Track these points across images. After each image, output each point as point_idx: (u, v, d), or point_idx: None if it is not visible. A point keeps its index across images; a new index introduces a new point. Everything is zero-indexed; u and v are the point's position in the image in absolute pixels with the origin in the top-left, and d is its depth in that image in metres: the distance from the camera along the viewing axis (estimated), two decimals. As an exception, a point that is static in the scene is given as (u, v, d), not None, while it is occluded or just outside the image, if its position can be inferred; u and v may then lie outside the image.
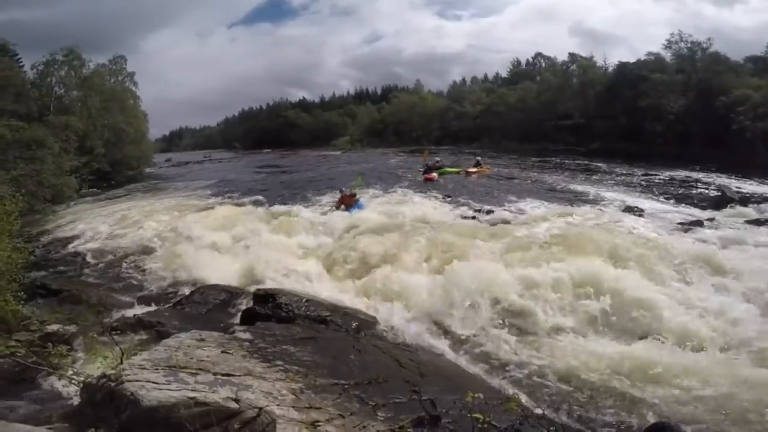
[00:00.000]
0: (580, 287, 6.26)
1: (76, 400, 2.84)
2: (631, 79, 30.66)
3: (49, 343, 3.70)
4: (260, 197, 15.82)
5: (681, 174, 18.67)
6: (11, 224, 6.68)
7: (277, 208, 13.48)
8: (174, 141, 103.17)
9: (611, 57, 37.91)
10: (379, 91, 78.06)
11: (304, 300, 5.82)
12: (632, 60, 33.45)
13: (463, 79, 66.31)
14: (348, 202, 12.22)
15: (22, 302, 5.45)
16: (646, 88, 29.18)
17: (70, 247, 11.22)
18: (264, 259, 8.47)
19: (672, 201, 13.23)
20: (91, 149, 24.17)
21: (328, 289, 7.17)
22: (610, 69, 35.54)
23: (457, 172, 19.53)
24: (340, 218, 11.13)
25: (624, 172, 20.01)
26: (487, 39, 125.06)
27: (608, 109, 31.78)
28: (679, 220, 10.28)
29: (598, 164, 23.06)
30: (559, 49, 75.11)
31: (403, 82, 79.19)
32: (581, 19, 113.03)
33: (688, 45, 30.38)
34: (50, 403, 3.49)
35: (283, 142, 65.28)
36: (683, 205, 12.61)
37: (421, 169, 18.79)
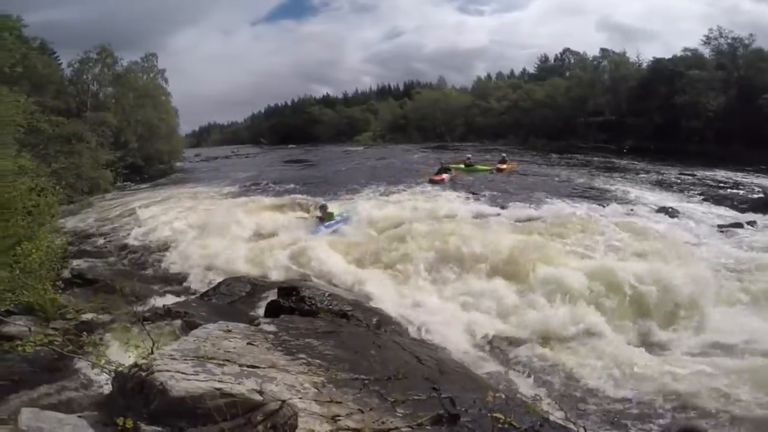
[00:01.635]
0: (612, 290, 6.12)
1: (107, 389, 2.93)
2: (667, 75, 29.46)
3: (84, 332, 3.86)
4: (286, 190, 16.16)
5: (720, 174, 17.78)
6: (52, 215, 7.05)
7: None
8: (203, 136, 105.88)
9: (643, 53, 36.08)
10: (401, 87, 77.76)
11: (326, 294, 5.88)
12: (666, 56, 32.14)
13: (488, 75, 65.01)
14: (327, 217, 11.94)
15: (60, 291, 5.72)
16: (683, 85, 28.03)
17: (105, 238, 11.75)
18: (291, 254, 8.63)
19: (710, 202, 12.62)
20: (125, 144, 25.14)
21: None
22: (644, 65, 34.21)
23: (489, 170, 19.03)
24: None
25: (658, 171, 19.22)
26: (511, 34, 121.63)
27: (642, 106, 30.62)
28: (718, 222, 9.82)
29: (631, 163, 22.28)
30: (586, 45, 72.32)
31: (425, 77, 78.47)
32: (609, 13, 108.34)
33: (729, 41, 29.04)
34: (82, 391, 3.65)
35: (308, 138, 66.08)
36: (722, 206, 12.00)
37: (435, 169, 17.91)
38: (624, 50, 36.90)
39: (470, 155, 21.65)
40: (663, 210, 11.19)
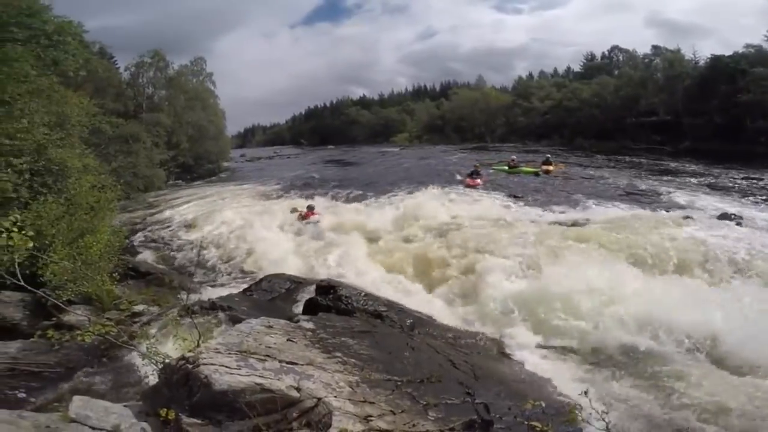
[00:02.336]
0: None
1: (152, 380, 3.04)
2: (728, 73, 27.25)
3: (135, 323, 4.10)
4: (328, 190, 16.50)
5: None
6: (111, 210, 7.59)
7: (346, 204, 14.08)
8: (247, 137, 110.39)
9: (695, 50, 33.42)
10: (437, 88, 77.25)
11: (362, 294, 5.93)
12: (724, 53, 29.74)
13: (530, 74, 63.17)
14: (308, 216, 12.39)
15: (116, 282, 6.11)
16: (747, 83, 25.78)
17: (158, 233, 12.50)
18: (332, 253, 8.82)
19: (779, 208, 11.50)
20: (177, 144, 26.61)
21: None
22: (701, 62, 31.81)
23: (535, 172, 18.12)
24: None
25: (720, 174, 17.75)
26: (552, 32, 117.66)
27: (700, 105, 28.53)
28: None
29: (688, 165, 20.75)
30: (633, 42, 68.36)
31: (461, 77, 77.63)
32: (658, 9, 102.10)
33: (796, 37, 26.44)
34: (130, 380, 3.87)
35: (345, 139, 67.29)
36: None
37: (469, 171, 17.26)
38: (678, 47, 34.53)
39: (515, 156, 20.90)
40: (725, 216, 10.33)
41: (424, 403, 3.11)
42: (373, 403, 2.90)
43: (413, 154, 34.04)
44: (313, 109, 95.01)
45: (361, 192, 16.38)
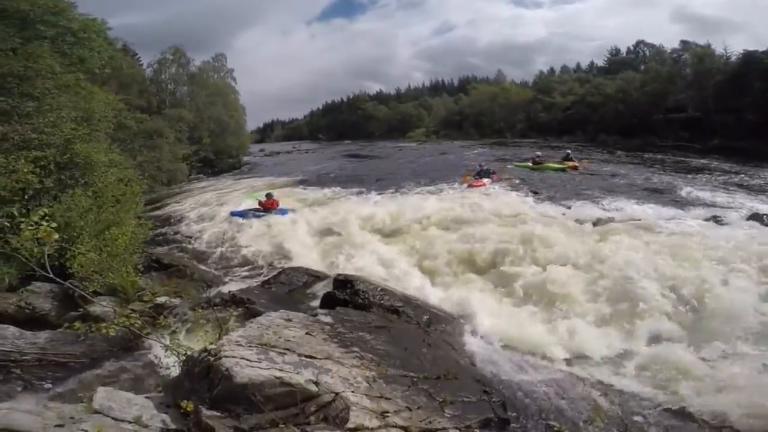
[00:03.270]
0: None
1: (174, 371, 3.10)
2: (762, 69, 25.99)
3: (160, 315, 4.18)
4: (347, 185, 16.58)
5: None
6: (136, 203, 7.79)
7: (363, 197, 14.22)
8: (266, 132, 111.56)
9: (726, 45, 31.86)
10: (455, 82, 76.37)
11: (379, 289, 5.93)
12: (757, 48, 28.27)
13: (551, 69, 61.83)
14: (270, 205, 12.46)
15: (140, 274, 6.26)
16: (783, 79, 24.54)
17: (180, 225, 12.78)
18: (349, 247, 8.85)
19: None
20: (199, 139, 27.11)
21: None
22: (733, 58, 30.43)
23: (562, 169, 17.64)
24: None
25: (751, 173, 16.98)
26: (573, 26, 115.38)
27: (732, 102, 27.29)
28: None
29: (719, 163, 19.91)
30: (658, 37, 65.86)
31: (479, 72, 76.54)
32: (685, 3, 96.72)
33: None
34: (152, 372, 3.94)
35: (362, 134, 67.43)
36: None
37: (472, 171, 16.54)
38: (708, 42, 33.09)
39: (540, 153, 20.40)
40: (755, 217, 9.91)
41: (441, 400, 3.09)
42: (390, 399, 2.89)
43: (431, 150, 33.84)
44: (330, 105, 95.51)
45: (379, 186, 16.41)
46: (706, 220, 9.66)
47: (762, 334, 4.96)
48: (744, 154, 21.62)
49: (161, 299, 5.51)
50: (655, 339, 5.20)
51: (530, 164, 18.68)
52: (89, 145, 8.07)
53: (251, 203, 13.12)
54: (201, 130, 27.48)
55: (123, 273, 5.67)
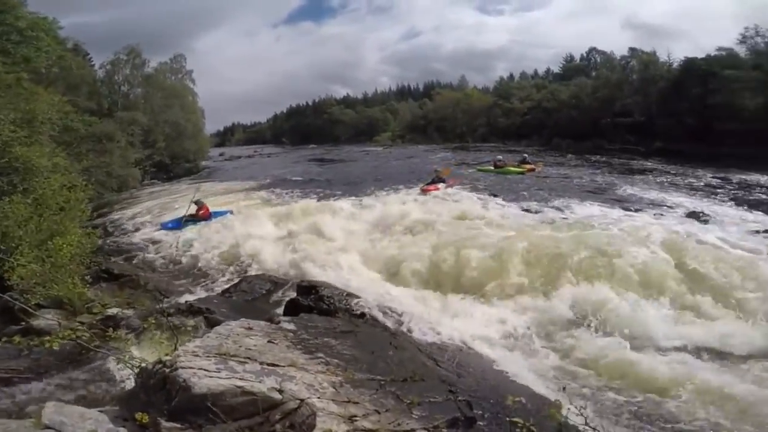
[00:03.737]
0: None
1: (128, 384, 2.98)
2: (700, 75, 28.28)
3: (110, 327, 3.96)
4: (307, 190, 16.36)
5: (756, 178, 16.92)
6: (82, 211, 7.30)
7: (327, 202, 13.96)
8: (227, 136, 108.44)
9: (673, 52, 34.67)
10: (421, 88, 77.80)
11: (344, 294, 5.90)
12: (697, 55, 30.83)
13: (511, 75, 64.41)
14: (203, 214, 12.26)
15: (88, 285, 5.89)
16: (717, 85, 26.84)
17: (132, 234, 12.12)
18: (312, 253, 8.71)
19: (744, 208, 12.03)
20: (153, 143, 25.95)
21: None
22: (675, 65, 32.95)
23: (521, 172, 18.33)
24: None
25: (689, 174, 18.48)
26: (532, 34, 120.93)
27: (673, 106, 29.51)
28: (754, 228, 9.35)
29: (660, 165, 21.53)
30: (611, 44, 70.13)
31: (444, 77, 78.81)
32: (634, 12, 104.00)
33: (766, 40, 27.74)
34: (105, 385, 3.72)
35: (328, 138, 67.02)
36: (758, 212, 11.41)
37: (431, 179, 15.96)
38: (654, 50, 35.63)
39: (501, 156, 20.96)
40: (693, 215, 10.76)
41: (408, 401, 3.10)
42: (358, 403, 2.88)
43: (397, 154, 34.19)
44: (295, 108, 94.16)
45: (345, 191, 16.35)
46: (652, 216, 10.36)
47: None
48: (683, 156, 23.47)
49: (112, 311, 5.21)
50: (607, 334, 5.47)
51: (492, 168, 19.26)
52: (30, 149, 7.51)
53: (182, 213, 12.51)
54: (156, 134, 26.36)
55: (69, 285, 5.31)
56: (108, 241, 11.18)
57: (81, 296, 5.40)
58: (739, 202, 12.67)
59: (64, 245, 5.75)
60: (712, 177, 17.31)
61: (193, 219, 12.01)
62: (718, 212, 11.20)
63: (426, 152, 33.63)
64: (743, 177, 17.15)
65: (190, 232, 11.34)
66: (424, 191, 14.45)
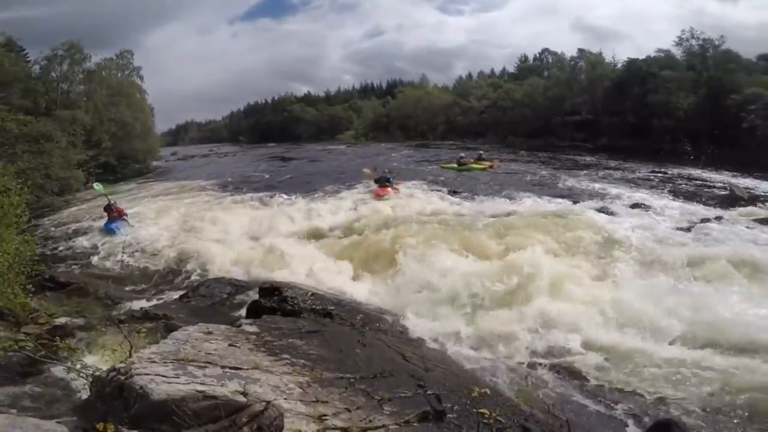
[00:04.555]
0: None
1: (84, 394, 2.83)
2: (640, 75, 30.27)
3: (57, 337, 3.71)
4: (261, 190, 16.00)
5: (690, 172, 18.43)
6: (18, 216, 6.71)
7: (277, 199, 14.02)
8: (180, 134, 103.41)
9: (617, 53, 37.02)
10: (384, 86, 77.81)
11: (309, 294, 5.84)
12: (639, 56, 32.97)
13: (469, 74, 65.56)
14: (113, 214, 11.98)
15: (31, 295, 5.46)
16: (655, 85, 28.84)
17: (76, 239, 11.31)
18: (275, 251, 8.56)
19: (681, 199, 13.09)
20: (98, 143, 24.25)
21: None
22: (619, 65, 35.09)
23: (484, 168, 18.79)
24: None
25: (632, 168, 19.80)
26: (489, 34, 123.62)
27: (616, 105, 31.38)
28: (687, 218, 10.20)
29: (605, 160, 22.88)
30: (562, 45, 74.46)
31: (406, 76, 79.14)
32: (582, 14, 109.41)
33: (700, 42, 29.98)
34: (59, 396, 3.48)
35: (289, 136, 65.44)
36: (692, 203, 12.46)
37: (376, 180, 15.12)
38: (600, 51, 37.68)
39: (463, 154, 21.15)
40: (636, 206, 11.57)
41: (379, 398, 3.12)
42: (327, 402, 2.86)
43: (359, 153, 34.09)
44: (253, 106, 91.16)
45: (304, 189, 16.10)
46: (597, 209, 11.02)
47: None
48: (625, 151, 25.10)
49: (60, 320, 4.90)
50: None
51: (456, 165, 19.46)
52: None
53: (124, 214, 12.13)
54: (100, 133, 24.63)
55: (8, 295, 4.91)
56: (51, 248, 10.39)
57: (24, 306, 5.03)
58: (676, 195, 13.75)
59: (1, 254, 5.29)
60: (652, 171, 18.66)
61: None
62: (659, 204, 12.09)
63: (389, 150, 33.76)
64: (679, 171, 18.62)
65: (129, 233, 10.91)
66: (377, 196, 13.66)
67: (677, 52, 31.15)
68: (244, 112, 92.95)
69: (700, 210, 11.41)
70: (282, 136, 66.47)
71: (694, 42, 30.27)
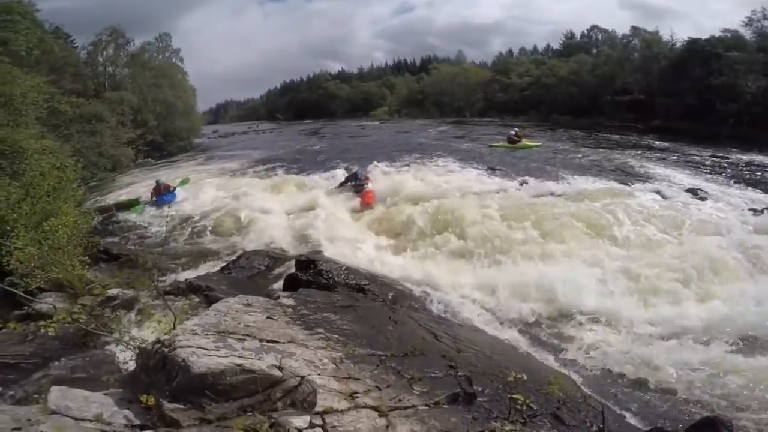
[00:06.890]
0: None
1: (131, 365, 2.97)
2: (704, 56, 27.84)
3: (109, 308, 3.93)
4: (301, 165, 16.15)
5: (755, 158, 16.75)
6: (74, 191, 7.19)
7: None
8: (220, 113, 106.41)
9: (672, 32, 33.89)
10: (417, 62, 76.07)
11: (343, 268, 5.90)
12: (698, 36, 30.21)
13: (510, 50, 63.01)
14: (161, 191, 12.63)
15: (87, 267, 5.85)
16: (720, 66, 26.46)
17: (128, 212, 12.00)
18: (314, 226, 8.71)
19: (742, 185, 12.00)
20: (144, 122, 25.45)
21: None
22: (678, 45, 32.37)
23: (539, 145, 17.87)
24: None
25: (688, 152, 18.32)
26: (527, 9, 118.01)
27: (674, 86, 29.15)
28: (750, 206, 9.39)
29: (659, 142, 21.33)
30: (608, 22, 67.82)
31: (440, 52, 76.78)
32: None
33: (773, 22, 27.18)
34: (108, 367, 3.73)
35: (324, 113, 65.94)
36: (755, 190, 11.39)
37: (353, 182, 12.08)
38: (657, 29, 34.95)
39: (516, 129, 19.40)
40: (691, 191, 10.76)
41: (409, 377, 3.11)
42: (358, 379, 2.88)
43: (395, 128, 33.80)
44: (288, 84, 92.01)
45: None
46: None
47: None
48: (681, 133, 23.30)
49: (113, 291, 5.21)
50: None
51: (506, 143, 18.16)
52: (15, 131, 7.34)
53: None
54: (146, 113, 25.80)
55: (68, 266, 5.28)
56: (105, 221, 11.08)
57: (81, 278, 5.38)
58: (737, 180, 12.61)
59: (59, 226, 5.69)
60: (712, 156, 17.13)
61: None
62: (717, 190, 11.16)
63: (424, 126, 33.27)
64: (741, 157, 17.00)
65: (176, 206, 11.51)
66: (364, 204, 10.67)
67: (746, 33, 28.55)
68: (280, 90, 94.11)
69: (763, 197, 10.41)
70: (317, 112, 67.08)
71: (766, 23, 27.75)
